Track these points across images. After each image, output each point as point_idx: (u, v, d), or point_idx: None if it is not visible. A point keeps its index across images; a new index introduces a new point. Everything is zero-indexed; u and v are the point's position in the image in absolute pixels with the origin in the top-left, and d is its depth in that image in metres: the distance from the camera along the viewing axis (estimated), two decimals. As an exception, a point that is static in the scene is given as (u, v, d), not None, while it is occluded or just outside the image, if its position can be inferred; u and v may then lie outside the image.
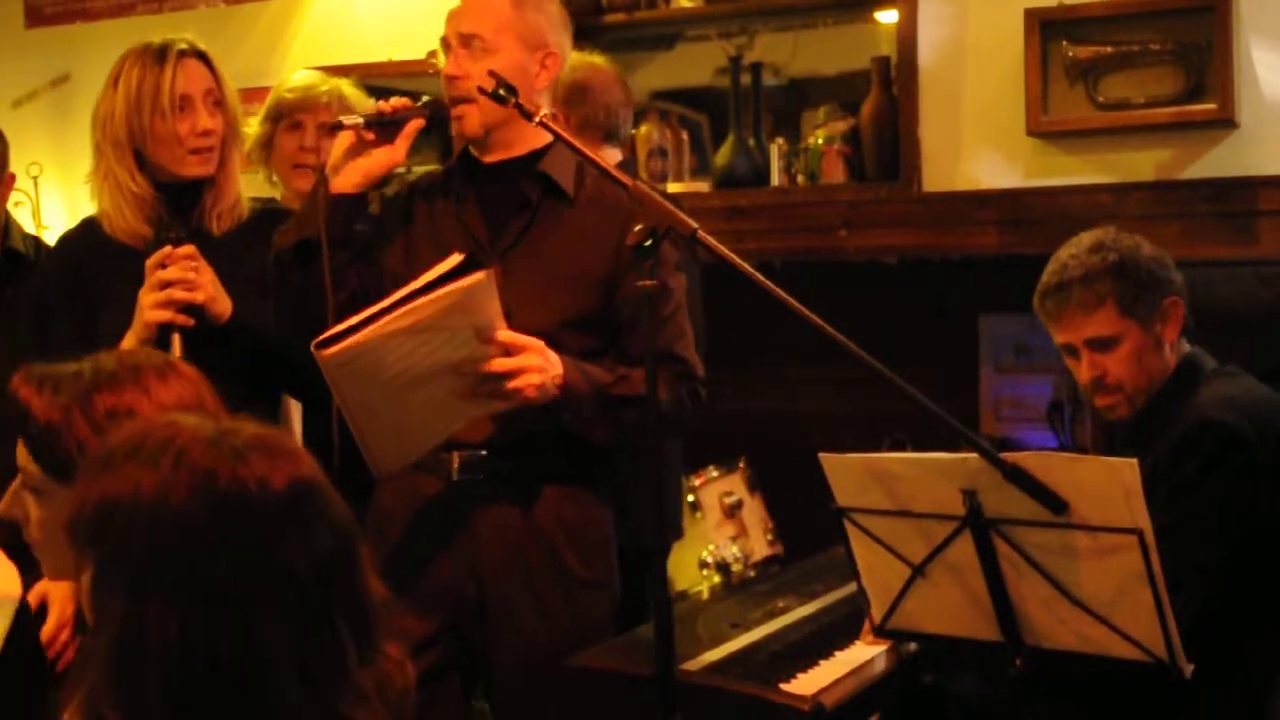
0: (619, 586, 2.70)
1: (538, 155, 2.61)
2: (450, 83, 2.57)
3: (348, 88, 3.34)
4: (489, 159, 2.62)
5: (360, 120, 2.56)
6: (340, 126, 2.57)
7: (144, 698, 1.22)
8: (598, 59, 3.36)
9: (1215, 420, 2.50)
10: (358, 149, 2.56)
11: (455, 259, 2.34)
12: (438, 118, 2.60)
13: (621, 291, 2.55)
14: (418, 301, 2.31)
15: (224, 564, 1.22)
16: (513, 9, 2.56)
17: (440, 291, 2.31)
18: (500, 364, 2.39)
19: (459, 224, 2.61)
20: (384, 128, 2.56)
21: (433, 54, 2.69)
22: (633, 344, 2.56)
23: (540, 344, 2.42)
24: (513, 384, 2.39)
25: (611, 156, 3.24)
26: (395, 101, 2.59)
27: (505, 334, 2.39)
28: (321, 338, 2.33)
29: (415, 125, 2.56)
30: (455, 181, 2.66)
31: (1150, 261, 2.63)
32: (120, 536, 1.25)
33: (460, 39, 2.56)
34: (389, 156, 2.56)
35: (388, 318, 2.31)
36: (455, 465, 2.58)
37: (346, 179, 2.56)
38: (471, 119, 2.57)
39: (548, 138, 2.59)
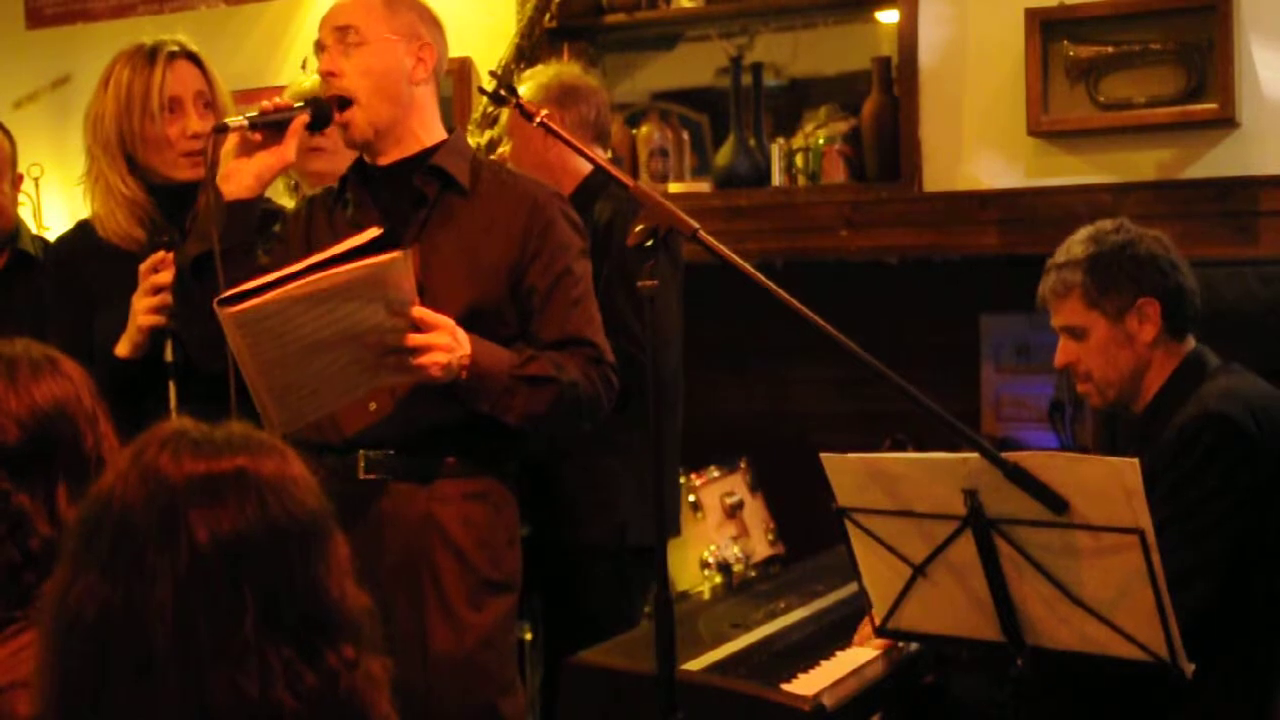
0: (521, 586, 2.66)
1: (431, 151, 2.58)
2: (327, 80, 2.55)
3: None
4: (382, 161, 2.60)
5: (244, 121, 2.50)
6: (225, 129, 2.52)
7: (44, 660, 1.28)
8: (578, 69, 3.43)
9: (1216, 412, 2.51)
10: (247, 152, 2.52)
11: (373, 232, 2.32)
12: (322, 114, 2.55)
13: (527, 279, 2.54)
14: (331, 270, 2.28)
15: (123, 529, 1.25)
16: (384, 4, 2.55)
17: (356, 264, 2.29)
18: (410, 339, 2.36)
19: (357, 230, 2.54)
20: (269, 128, 2.52)
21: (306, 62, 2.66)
22: (542, 330, 2.55)
23: (451, 323, 2.40)
24: (419, 360, 2.37)
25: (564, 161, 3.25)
26: (277, 100, 2.56)
27: (420, 311, 2.37)
28: (226, 295, 2.29)
29: (300, 122, 2.52)
30: (351, 189, 2.63)
31: (1133, 260, 2.64)
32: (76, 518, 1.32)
33: (335, 33, 2.54)
34: (279, 157, 2.53)
35: (298, 283, 2.28)
36: (360, 465, 2.54)
37: (239, 184, 2.52)
38: (358, 122, 2.54)
39: (439, 135, 2.60)
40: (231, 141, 2.52)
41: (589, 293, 2.60)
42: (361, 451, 2.54)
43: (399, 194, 2.58)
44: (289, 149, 2.53)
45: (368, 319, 2.34)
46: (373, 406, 2.53)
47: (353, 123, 2.54)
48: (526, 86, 3.28)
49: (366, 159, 2.62)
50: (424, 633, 2.51)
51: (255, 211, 2.55)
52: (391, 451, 2.53)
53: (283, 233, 2.70)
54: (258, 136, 2.51)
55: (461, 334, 2.42)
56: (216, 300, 2.29)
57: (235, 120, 2.51)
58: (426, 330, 2.37)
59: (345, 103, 2.54)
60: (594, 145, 3.25)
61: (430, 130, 2.59)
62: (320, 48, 2.57)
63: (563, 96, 3.23)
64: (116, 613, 1.23)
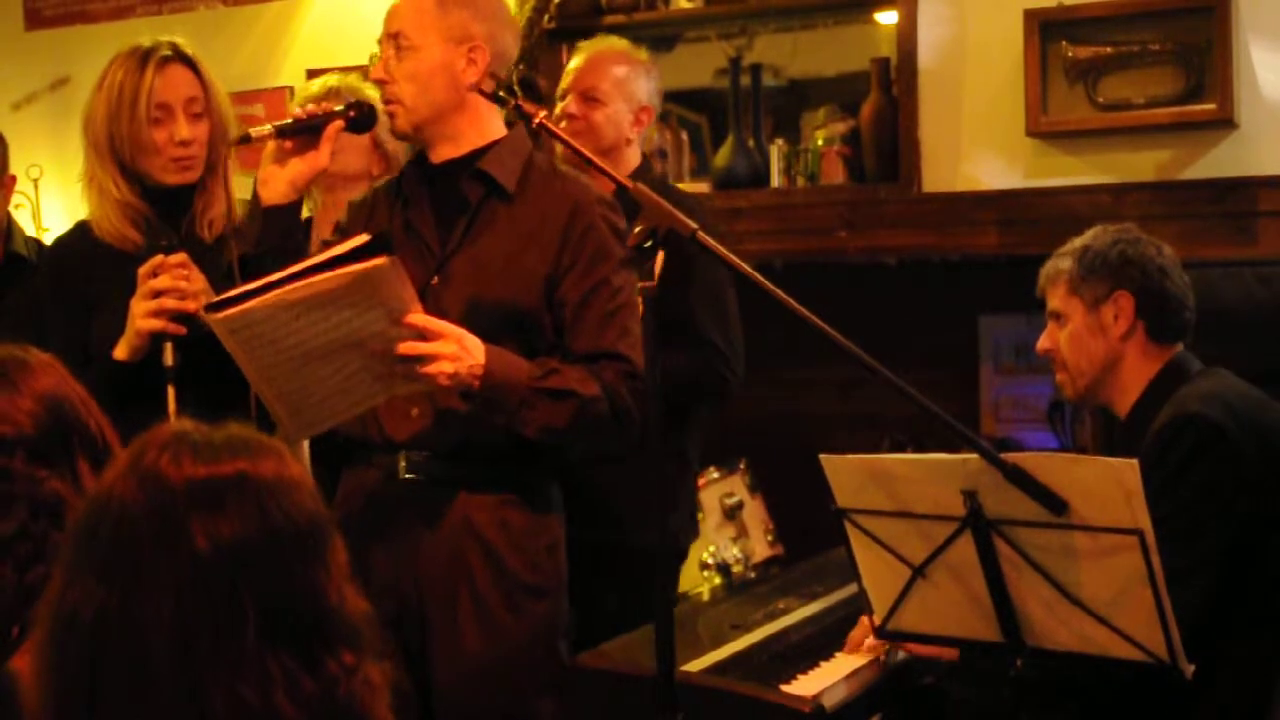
0: (567, 591, 2.64)
1: (480, 153, 2.57)
2: (380, 86, 2.58)
3: (359, 80, 3.30)
4: (436, 158, 2.60)
5: (270, 129, 2.52)
6: (247, 139, 2.54)
7: (40, 664, 1.27)
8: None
9: (1195, 413, 2.53)
10: (281, 159, 2.54)
11: (363, 238, 2.31)
12: (363, 118, 2.58)
13: (560, 290, 2.52)
14: (317, 277, 2.29)
15: (122, 534, 1.25)
16: (436, 5, 2.54)
17: (340, 271, 2.28)
18: (410, 347, 2.35)
19: (409, 228, 2.59)
20: (300, 134, 2.53)
21: (373, 57, 2.66)
22: (574, 343, 2.52)
23: (458, 332, 2.38)
24: (424, 369, 2.35)
25: (634, 155, 3.25)
26: (312, 106, 2.57)
27: (419, 318, 2.35)
28: (215, 300, 2.33)
29: (335, 128, 2.54)
30: (407, 184, 2.63)
31: (1120, 255, 2.70)
32: (75, 519, 1.32)
33: (389, 38, 2.56)
34: (313, 163, 2.55)
35: (285, 289, 2.29)
36: (401, 465, 2.55)
37: (274, 190, 2.55)
38: (399, 117, 2.56)
39: (493, 134, 2.58)
40: (269, 148, 2.54)
41: (627, 305, 2.53)
42: (403, 452, 2.55)
43: (449, 196, 2.58)
44: (323, 155, 2.55)
45: (368, 326, 2.34)
46: (415, 412, 2.53)
47: (395, 116, 2.56)
48: (625, 60, 3.25)
49: (426, 154, 2.62)
50: (459, 634, 2.52)
51: (292, 216, 2.57)
52: (431, 454, 2.54)
53: (346, 223, 2.70)
54: (288, 144, 2.53)
55: (473, 343, 2.39)
56: (205, 306, 2.32)
57: (260, 130, 2.53)
58: (431, 338, 2.36)
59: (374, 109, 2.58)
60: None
61: (484, 129, 2.57)
62: (382, 46, 2.59)
63: (652, 73, 3.27)
64: (114, 619, 1.23)
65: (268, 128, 2.53)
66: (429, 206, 2.60)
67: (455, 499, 2.53)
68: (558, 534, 2.62)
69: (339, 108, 2.58)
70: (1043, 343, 2.80)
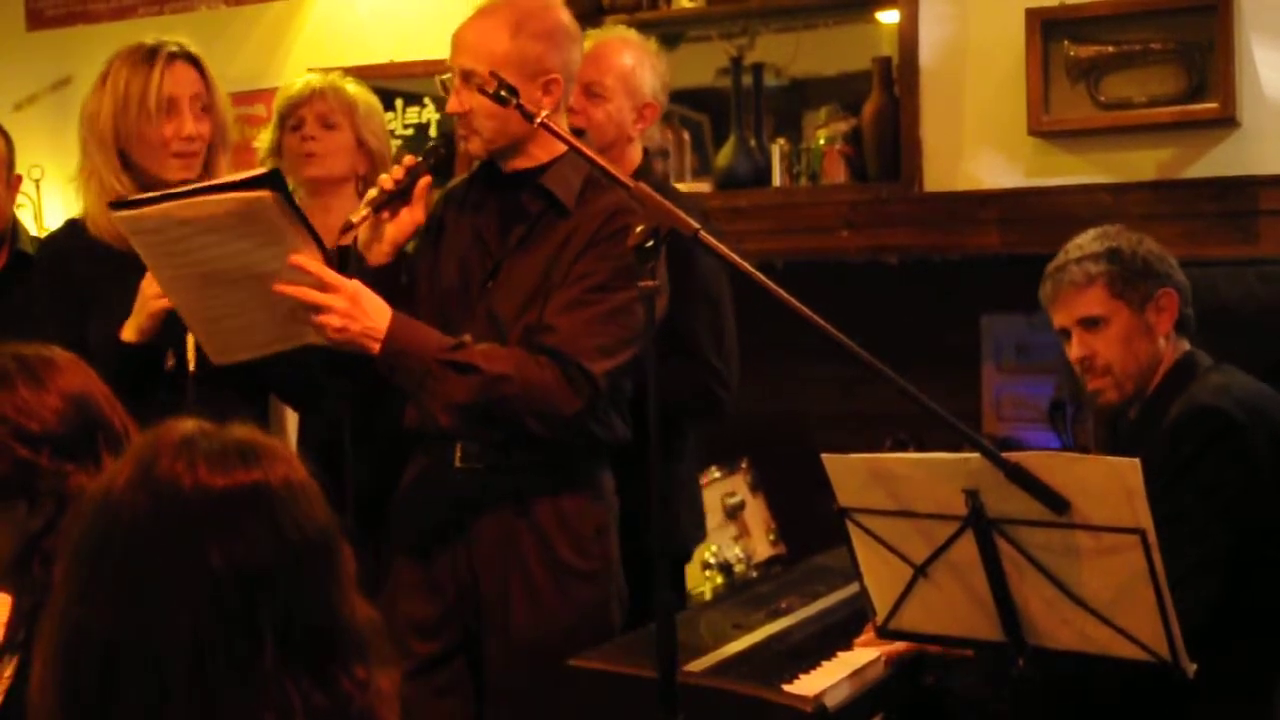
0: (620, 578, 2.69)
1: (546, 168, 2.62)
2: (457, 119, 2.62)
3: (340, 79, 3.30)
4: (506, 168, 2.65)
5: (367, 211, 2.56)
6: (350, 227, 2.58)
7: (47, 677, 1.24)
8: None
9: (1208, 406, 2.54)
10: (378, 227, 2.59)
11: (263, 169, 2.41)
12: (442, 161, 2.64)
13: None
14: (204, 197, 2.39)
15: (137, 552, 1.22)
16: (509, 41, 2.55)
17: (224, 195, 2.37)
18: (294, 290, 2.40)
19: (474, 230, 2.65)
20: (391, 203, 2.57)
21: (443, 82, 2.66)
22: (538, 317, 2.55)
23: (355, 290, 2.43)
24: (314, 318, 2.41)
25: (635, 153, 3.22)
26: (396, 172, 2.58)
27: (311, 264, 2.41)
28: (128, 199, 2.49)
29: (424, 184, 2.58)
30: (476, 188, 2.70)
31: (1148, 254, 2.69)
32: (73, 522, 1.29)
33: (461, 75, 2.58)
34: (410, 220, 2.59)
35: (178, 202, 2.40)
36: (457, 453, 2.61)
37: (378, 253, 2.60)
38: (474, 143, 2.62)
39: (559, 151, 2.60)
40: (366, 224, 2.58)
41: (601, 302, 2.53)
42: (458, 442, 2.60)
43: (514, 205, 2.64)
44: (418, 211, 2.59)
45: (266, 263, 2.40)
46: None
47: (469, 140, 2.62)
48: (632, 53, 3.19)
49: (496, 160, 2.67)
50: (510, 616, 2.59)
51: (397, 272, 2.62)
52: (485, 443, 2.58)
53: (423, 229, 2.74)
54: (385, 214, 2.57)
55: (373, 305, 2.44)
56: (110, 203, 2.50)
57: (359, 214, 2.56)
58: (327, 290, 2.41)
59: (451, 145, 2.66)
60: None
61: (553, 146, 2.59)
62: (453, 77, 2.61)
63: (659, 66, 3.24)
64: (128, 636, 1.20)
65: (365, 211, 2.56)
66: (495, 212, 2.65)
67: (508, 485, 2.59)
68: (607, 520, 2.68)
69: (419, 160, 2.60)
70: (1079, 351, 2.71)
